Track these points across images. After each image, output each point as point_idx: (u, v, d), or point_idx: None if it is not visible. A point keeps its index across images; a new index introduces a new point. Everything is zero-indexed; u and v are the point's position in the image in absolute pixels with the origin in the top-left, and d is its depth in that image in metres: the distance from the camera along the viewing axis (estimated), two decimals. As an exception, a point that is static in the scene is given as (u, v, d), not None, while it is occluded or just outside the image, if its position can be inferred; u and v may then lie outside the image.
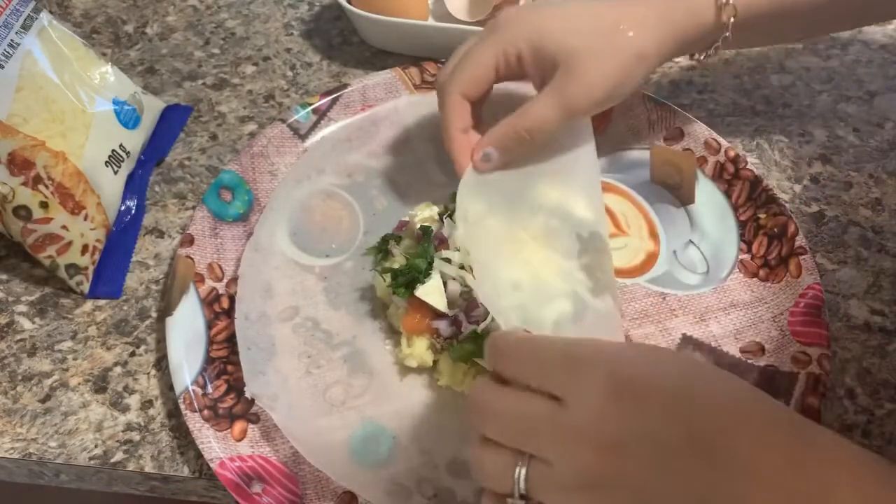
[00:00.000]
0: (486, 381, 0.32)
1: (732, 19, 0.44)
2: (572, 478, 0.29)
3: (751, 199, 0.49)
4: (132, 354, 0.45)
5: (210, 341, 0.44)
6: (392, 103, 0.54)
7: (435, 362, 0.42)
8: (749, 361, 0.43)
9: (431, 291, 0.41)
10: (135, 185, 0.52)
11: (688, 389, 0.30)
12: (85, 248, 0.47)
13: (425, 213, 0.46)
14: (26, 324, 0.46)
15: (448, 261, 0.42)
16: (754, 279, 0.46)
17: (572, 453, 0.29)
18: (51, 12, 0.53)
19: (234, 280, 0.46)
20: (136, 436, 0.42)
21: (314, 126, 0.53)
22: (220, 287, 0.46)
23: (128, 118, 0.51)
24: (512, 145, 0.43)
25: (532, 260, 0.42)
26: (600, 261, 0.43)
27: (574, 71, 0.41)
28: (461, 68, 0.44)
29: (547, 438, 0.30)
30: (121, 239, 0.49)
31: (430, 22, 0.60)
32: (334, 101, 0.54)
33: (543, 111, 0.42)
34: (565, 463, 0.29)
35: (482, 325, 0.40)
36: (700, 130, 0.52)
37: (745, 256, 0.47)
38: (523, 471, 0.30)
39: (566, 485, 0.29)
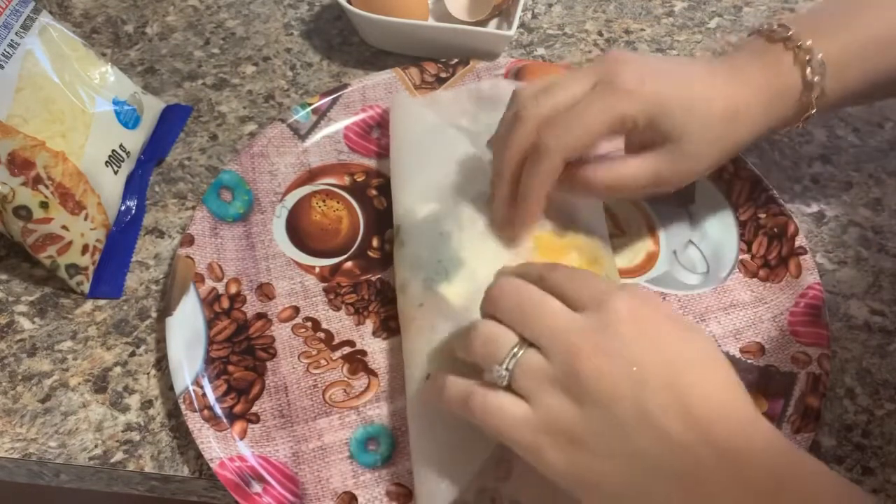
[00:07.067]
0: (513, 277, 0.35)
1: (815, 101, 0.42)
2: (560, 374, 0.31)
3: (751, 199, 0.49)
4: (132, 354, 0.45)
5: (210, 341, 0.44)
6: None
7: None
8: (749, 361, 0.43)
9: None
10: (135, 185, 0.52)
11: (693, 358, 0.32)
12: (85, 248, 0.47)
13: None
14: (26, 324, 0.46)
15: None
16: (754, 279, 0.46)
17: (574, 352, 0.31)
18: (51, 12, 0.53)
19: (235, 280, 0.46)
20: (136, 436, 0.42)
21: (314, 126, 0.53)
22: (220, 287, 0.46)
23: (128, 118, 0.52)
24: (582, 191, 0.41)
25: (535, 258, 0.42)
26: (603, 262, 0.43)
27: (679, 151, 0.40)
28: (570, 130, 0.39)
29: (556, 332, 0.32)
30: (121, 239, 0.49)
31: (430, 22, 0.60)
32: (334, 101, 0.54)
33: (636, 173, 0.41)
34: (561, 359, 0.31)
35: None
36: (700, 130, 0.52)
37: (745, 256, 0.47)
38: (521, 351, 0.32)
39: (551, 378, 0.31)
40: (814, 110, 0.43)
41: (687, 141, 0.40)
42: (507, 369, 0.32)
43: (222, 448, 0.39)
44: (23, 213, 0.44)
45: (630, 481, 0.30)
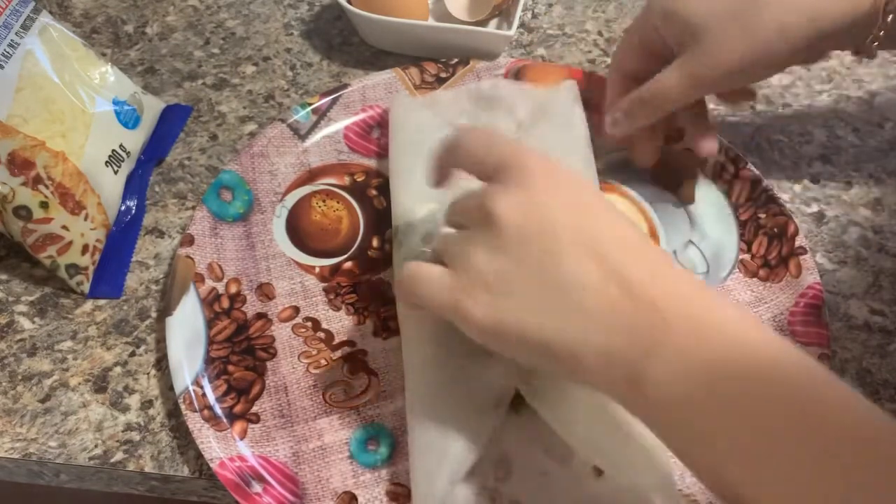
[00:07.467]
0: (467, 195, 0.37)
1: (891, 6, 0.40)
2: (476, 233, 0.33)
3: (751, 199, 0.49)
4: (132, 354, 0.45)
5: (210, 341, 0.44)
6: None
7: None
8: (749, 361, 0.43)
9: None
10: (135, 185, 0.52)
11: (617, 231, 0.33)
12: (85, 248, 0.47)
13: None
14: (26, 324, 0.46)
15: None
16: (754, 279, 0.46)
17: (487, 209, 0.33)
18: (51, 12, 0.53)
19: (235, 280, 0.46)
20: (136, 436, 0.42)
21: (314, 126, 0.53)
22: (220, 287, 0.46)
23: (128, 118, 0.52)
24: (636, 111, 0.46)
25: None
26: None
27: (702, 45, 0.42)
28: (618, 47, 0.49)
29: (472, 201, 0.34)
30: (121, 239, 0.49)
31: (430, 22, 0.60)
32: (334, 101, 0.54)
33: (668, 81, 0.44)
34: (476, 220, 0.34)
35: None
36: (700, 130, 0.52)
37: (745, 256, 0.47)
38: (445, 229, 0.36)
39: (468, 239, 0.34)
40: (882, 25, 0.40)
41: (705, 32, 0.42)
42: (430, 243, 0.36)
43: (222, 448, 0.39)
44: (23, 213, 0.44)
45: (548, 323, 0.30)
